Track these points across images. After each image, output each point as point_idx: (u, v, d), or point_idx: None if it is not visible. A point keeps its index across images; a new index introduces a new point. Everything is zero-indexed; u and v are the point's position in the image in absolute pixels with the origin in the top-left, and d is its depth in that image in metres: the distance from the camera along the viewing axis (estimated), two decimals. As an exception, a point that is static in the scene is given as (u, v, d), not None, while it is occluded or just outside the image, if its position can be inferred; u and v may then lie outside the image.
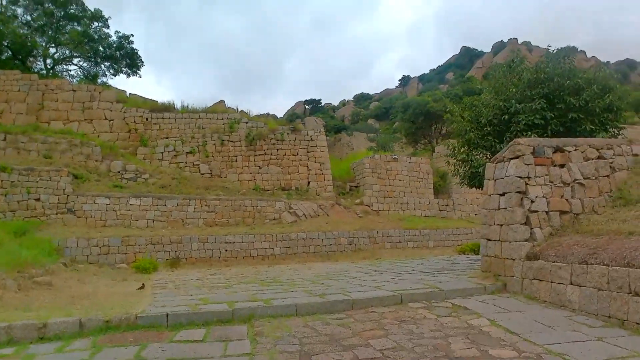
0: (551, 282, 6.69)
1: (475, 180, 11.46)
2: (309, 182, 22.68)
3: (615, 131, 11.00)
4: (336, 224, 20.08)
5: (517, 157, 8.05)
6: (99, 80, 28.97)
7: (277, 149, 22.59)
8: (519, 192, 7.82)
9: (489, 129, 11.17)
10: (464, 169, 11.76)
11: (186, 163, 21.08)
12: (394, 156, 25.21)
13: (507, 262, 7.84)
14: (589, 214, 8.15)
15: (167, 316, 5.57)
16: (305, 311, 6.23)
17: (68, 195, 16.47)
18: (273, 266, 14.74)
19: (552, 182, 8.10)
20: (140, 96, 24.29)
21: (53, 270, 10.64)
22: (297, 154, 22.85)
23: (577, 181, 8.27)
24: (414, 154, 28.15)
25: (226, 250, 16.35)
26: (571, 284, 6.29)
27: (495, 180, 8.49)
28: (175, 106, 22.95)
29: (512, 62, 11.73)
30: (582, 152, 8.54)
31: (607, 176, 8.64)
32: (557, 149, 8.35)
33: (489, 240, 8.50)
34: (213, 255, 16.05)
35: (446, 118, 14.91)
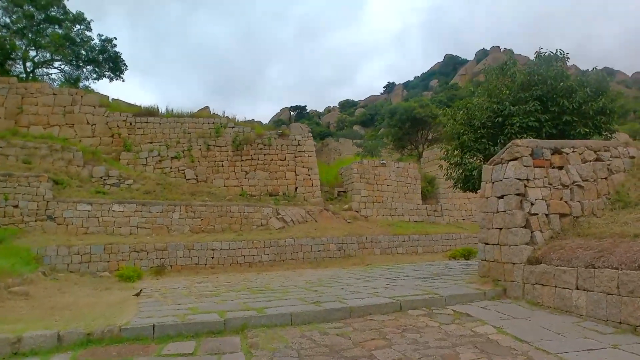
0: (555, 286, 6.46)
1: (469, 183, 11.26)
2: (296, 188, 22.35)
3: (608, 134, 10.91)
4: (325, 230, 19.77)
5: (515, 159, 7.85)
6: (81, 84, 28.29)
7: (264, 154, 22.23)
8: (518, 195, 7.61)
9: (482, 131, 11.00)
10: (457, 173, 11.55)
11: (171, 168, 20.58)
12: (382, 161, 25.03)
13: (507, 266, 7.61)
14: (589, 216, 7.98)
15: (153, 327, 5.18)
16: (301, 320, 5.89)
17: (48, 202, 15.88)
18: (262, 273, 14.33)
19: (551, 184, 7.91)
20: (124, 101, 23.74)
21: (31, 279, 10.12)
22: (285, 159, 22.52)
23: (575, 183, 8.10)
24: (401, 160, 28.02)
25: (213, 258, 15.90)
26: (577, 288, 6.06)
27: (493, 182, 8.27)
28: (160, 111, 22.46)
29: (505, 64, 11.59)
30: (579, 154, 8.39)
31: (605, 178, 8.50)
32: (555, 151, 8.18)
33: (487, 244, 8.27)
34: (199, 263, 15.60)
35: (438, 121, 14.74)
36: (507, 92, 10.74)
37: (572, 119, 10.15)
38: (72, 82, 27.73)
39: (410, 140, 38.19)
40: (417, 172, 25.61)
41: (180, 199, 18.31)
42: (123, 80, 30.63)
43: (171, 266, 14.97)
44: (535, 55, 11.25)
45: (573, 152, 8.33)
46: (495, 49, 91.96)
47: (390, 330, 5.53)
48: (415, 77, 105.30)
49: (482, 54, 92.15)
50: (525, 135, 9.92)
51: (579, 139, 9.78)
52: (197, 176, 20.79)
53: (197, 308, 6.42)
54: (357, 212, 22.78)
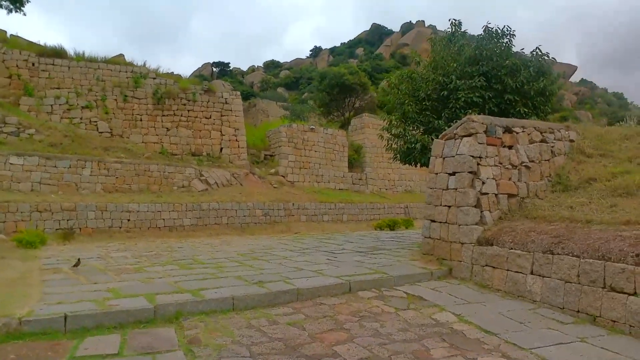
0: (508, 270, 6.28)
1: (410, 156, 10.94)
2: (221, 149, 21.14)
3: (543, 116, 11.03)
4: (250, 194, 18.95)
5: (470, 135, 7.55)
6: (-29, 14, 24.33)
7: (188, 110, 20.64)
8: (471, 172, 7.34)
9: (427, 103, 10.67)
10: (399, 145, 11.19)
11: (81, 119, 18.39)
12: (312, 127, 24.43)
13: (455, 245, 7.38)
14: (533, 198, 7.96)
15: (65, 318, 4.20)
16: (244, 305, 5.18)
17: None
18: (184, 240, 13.29)
19: (501, 163, 7.74)
20: (25, 38, 20.72)
21: None
22: (210, 117, 21.10)
23: (523, 164, 8.01)
24: (325, 126, 27.54)
25: (129, 221, 14.53)
26: (532, 273, 5.90)
27: (444, 158, 7.93)
28: (68, 53, 19.85)
29: (453, 35, 11.24)
30: (528, 134, 8.30)
31: (548, 160, 8.52)
32: (506, 130, 7.99)
33: (433, 221, 7.99)
34: (113, 226, 14.17)
35: (382, 89, 14.26)
36: (454, 64, 10.43)
37: (514, 98, 10.08)
38: (-41, 9, 23.68)
39: (337, 106, 37.79)
40: (345, 140, 25.35)
41: (91, 154, 16.44)
42: (24, 14, 26.55)
43: (80, 229, 13.42)
44: (482, 30, 10.98)
45: (523, 131, 8.21)
46: (421, 23, 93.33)
47: (345, 317, 5.00)
48: (342, 44, 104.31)
49: (408, 27, 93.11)
50: (469, 111, 9.70)
51: (517, 118, 9.78)
52: (111, 130, 18.81)
53: (118, 290, 5.44)
54: (284, 177, 22.15)
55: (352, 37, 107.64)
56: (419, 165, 11.12)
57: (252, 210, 17.84)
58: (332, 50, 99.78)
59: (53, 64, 18.59)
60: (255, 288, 5.67)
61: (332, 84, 35.78)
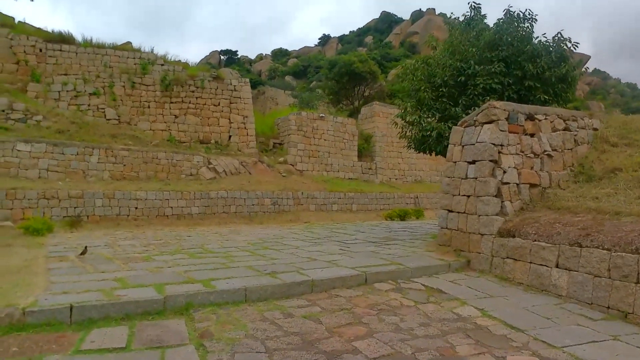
0: (531, 262, 6.01)
1: (425, 145, 10.63)
2: (230, 136, 20.88)
3: (564, 103, 10.65)
4: (259, 183, 18.73)
5: (491, 122, 7.24)
6: (-22, -1, 24.13)
7: (197, 98, 20.35)
8: (492, 161, 7.04)
9: (443, 90, 10.32)
10: (414, 132, 10.87)
11: (89, 106, 18.18)
12: (321, 115, 24.07)
13: (474, 237, 7.11)
14: (555, 188, 7.65)
15: (71, 309, 4.00)
16: (257, 297, 4.96)
17: None
18: (193, 228, 13.12)
19: (523, 152, 7.44)
20: (32, 25, 20.48)
21: None
22: (219, 105, 20.81)
23: (546, 153, 7.70)
24: (335, 114, 27.16)
25: (136, 209, 14.35)
26: (557, 267, 5.62)
27: (463, 146, 7.64)
28: (76, 39, 19.60)
29: (472, 19, 10.85)
30: (550, 122, 7.98)
31: (571, 149, 8.20)
32: (529, 117, 7.69)
33: (451, 211, 7.72)
34: (121, 214, 14.01)
35: (397, 75, 13.92)
36: (473, 49, 10.06)
37: (534, 85, 9.72)
38: (-33, -6, 23.52)
39: (346, 95, 37.35)
40: (355, 129, 25.00)
41: (99, 141, 16.26)
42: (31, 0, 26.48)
43: (88, 217, 13.26)
44: (503, 14, 10.58)
45: (545, 119, 7.89)
46: (431, 10, 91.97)
47: (363, 311, 4.76)
48: (350, 32, 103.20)
49: (418, 15, 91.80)
50: (488, 98, 9.37)
51: (538, 105, 9.43)
52: (119, 117, 18.60)
53: (126, 279, 5.23)
54: (293, 165, 21.89)
55: (361, 25, 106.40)
56: (433, 153, 10.83)
57: (261, 199, 17.61)
58: (341, 39, 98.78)
59: (60, 50, 18.35)
60: (267, 279, 5.44)
61: (341, 72, 35.32)
